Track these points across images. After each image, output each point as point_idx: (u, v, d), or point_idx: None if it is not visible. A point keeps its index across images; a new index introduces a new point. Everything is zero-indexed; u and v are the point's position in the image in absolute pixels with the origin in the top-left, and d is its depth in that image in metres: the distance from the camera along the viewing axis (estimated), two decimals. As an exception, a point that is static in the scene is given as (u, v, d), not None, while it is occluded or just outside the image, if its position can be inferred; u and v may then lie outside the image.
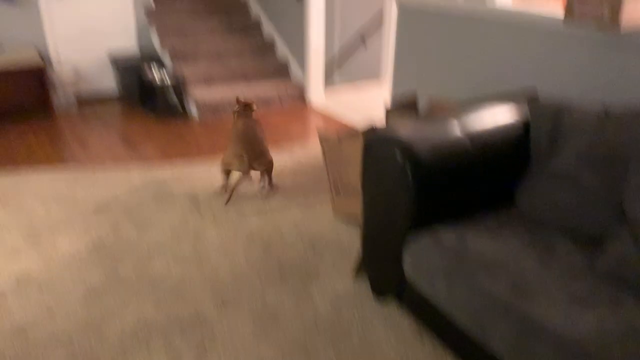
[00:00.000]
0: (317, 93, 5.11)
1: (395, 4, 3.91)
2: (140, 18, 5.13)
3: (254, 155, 3.06)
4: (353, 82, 5.94)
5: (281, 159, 3.75)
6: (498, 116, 2.09)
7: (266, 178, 3.22)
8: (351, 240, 2.71)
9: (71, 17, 4.83)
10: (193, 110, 4.71)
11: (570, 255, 1.70)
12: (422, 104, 3.52)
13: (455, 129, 1.96)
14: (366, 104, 4.99)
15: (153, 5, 5.17)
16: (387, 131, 1.93)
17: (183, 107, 4.76)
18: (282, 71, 5.23)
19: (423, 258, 1.82)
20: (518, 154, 2.06)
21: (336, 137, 2.75)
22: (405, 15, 3.83)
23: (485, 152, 1.98)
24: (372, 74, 5.83)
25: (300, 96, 5.06)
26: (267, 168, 3.15)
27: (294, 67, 5.21)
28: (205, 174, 3.52)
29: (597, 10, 2.15)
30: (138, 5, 5.07)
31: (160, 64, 5.04)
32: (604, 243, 1.67)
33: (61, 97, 4.72)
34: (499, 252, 1.72)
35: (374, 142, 1.97)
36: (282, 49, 5.32)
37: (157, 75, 4.79)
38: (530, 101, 2.13)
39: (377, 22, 5.80)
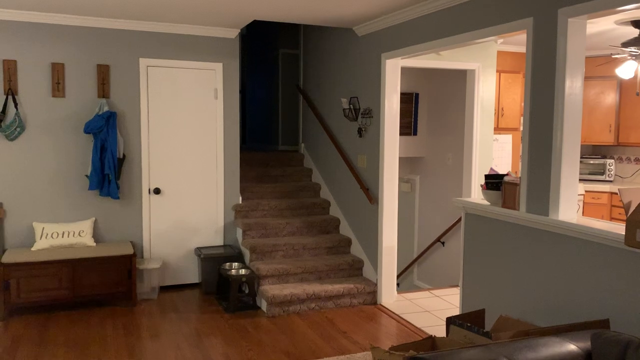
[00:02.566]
0: (388, 294, 5.03)
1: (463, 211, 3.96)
2: (229, 214, 5.57)
3: None
4: (434, 286, 5.81)
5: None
6: (555, 349, 1.91)
7: None
8: None
9: (168, 213, 5.35)
10: (263, 304, 4.78)
11: None
12: (491, 320, 3.32)
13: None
14: (438, 311, 4.80)
15: (241, 201, 5.63)
16: (435, 356, 1.82)
17: (254, 300, 4.86)
18: (355, 270, 5.27)
19: None
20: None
21: (388, 351, 2.62)
22: (472, 222, 3.84)
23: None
24: (452, 280, 5.67)
25: (371, 296, 5.00)
26: None
27: (367, 267, 5.25)
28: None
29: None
30: (228, 203, 5.56)
31: (240, 258, 5.30)
32: None
33: (145, 285, 5.02)
34: None
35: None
36: (357, 248, 5.44)
37: (234, 268, 5.04)
38: (595, 336, 1.94)
39: (459, 227, 5.82)
